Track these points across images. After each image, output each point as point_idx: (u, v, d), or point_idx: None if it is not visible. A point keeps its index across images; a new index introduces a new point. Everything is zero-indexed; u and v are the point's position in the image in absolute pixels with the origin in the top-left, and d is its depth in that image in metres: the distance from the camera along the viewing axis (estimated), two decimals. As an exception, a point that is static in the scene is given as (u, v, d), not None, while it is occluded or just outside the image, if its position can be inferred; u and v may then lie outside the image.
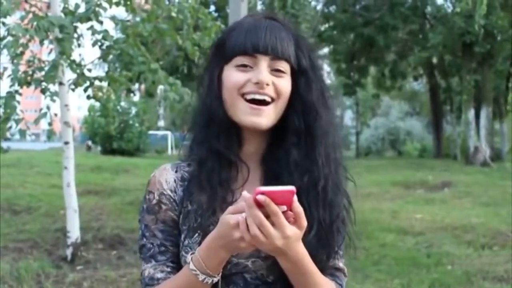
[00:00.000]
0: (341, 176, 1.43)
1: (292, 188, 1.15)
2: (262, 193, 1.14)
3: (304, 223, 1.19)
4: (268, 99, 1.35)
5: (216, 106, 1.40)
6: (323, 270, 1.39)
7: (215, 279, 1.29)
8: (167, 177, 1.45)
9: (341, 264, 1.49)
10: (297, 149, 1.38)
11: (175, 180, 1.44)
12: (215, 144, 1.39)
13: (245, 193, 1.16)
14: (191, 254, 1.31)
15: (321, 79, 1.43)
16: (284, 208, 1.16)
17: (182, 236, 1.39)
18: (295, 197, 1.16)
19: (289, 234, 1.17)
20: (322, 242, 1.35)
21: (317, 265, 1.33)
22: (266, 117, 1.35)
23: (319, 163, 1.36)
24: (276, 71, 1.36)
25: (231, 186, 1.39)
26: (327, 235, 1.37)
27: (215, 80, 1.41)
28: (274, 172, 1.40)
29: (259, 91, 1.34)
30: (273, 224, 1.16)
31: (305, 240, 1.26)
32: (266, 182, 1.40)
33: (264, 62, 1.34)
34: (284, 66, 1.37)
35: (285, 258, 1.25)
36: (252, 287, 1.38)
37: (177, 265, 1.40)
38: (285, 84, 1.37)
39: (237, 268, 1.36)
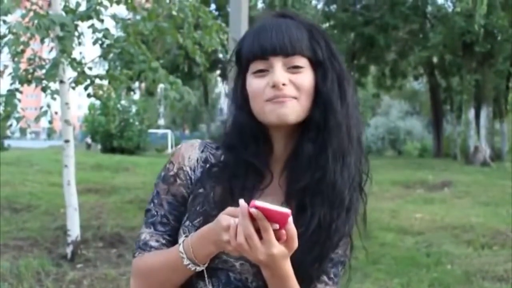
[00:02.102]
0: (354, 171, 1.40)
1: (287, 211, 1.15)
2: (257, 207, 1.14)
3: (295, 245, 1.20)
4: (289, 99, 1.33)
5: (243, 117, 1.40)
6: (306, 280, 1.37)
7: (199, 268, 1.32)
8: (191, 153, 1.45)
9: None
10: (313, 143, 1.36)
11: (197, 160, 1.45)
12: (242, 153, 1.39)
13: (241, 201, 1.17)
14: (185, 236, 1.34)
15: (339, 70, 1.40)
16: (277, 226, 1.17)
17: (186, 215, 1.41)
18: (291, 219, 1.16)
19: (274, 252, 1.18)
20: (316, 246, 1.34)
21: (301, 272, 1.32)
22: (291, 109, 1.33)
23: (330, 157, 1.34)
24: (293, 68, 1.34)
25: (253, 189, 1.38)
26: (323, 235, 1.35)
27: (239, 90, 1.42)
28: (292, 170, 1.39)
29: (278, 94, 1.32)
30: (261, 238, 1.17)
31: (299, 241, 1.26)
32: (283, 185, 1.40)
33: (277, 63, 1.33)
34: (301, 61, 1.35)
35: (268, 271, 1.26)
36: (232, 286, 1.38)
37: (173, 239, 1.42)
38: (304, 78, 1.35)
39: (224, 265, 1.37)
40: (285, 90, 1.32)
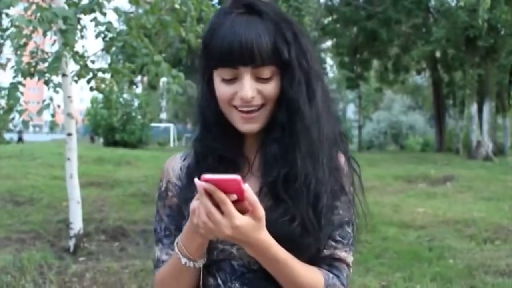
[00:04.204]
0: (327, 172, 1.39)
1: (236, 176, 1.15)
2: (207, 180, 1.15)
3: (260, 213, 1.20)
4: (256, 108, 1.35)
5: (210, 111, 1.41)
6: (314, 260, 1.38)
7: (197, 264, 1.34)
8: (174, 165, 1.52)
9: (342, 254, 1.42)
10: (279, 143, 1.37)
11: (181, 168, 1.51)
12: (213, 144, 1.41)
13: (196, 180, 1.18)
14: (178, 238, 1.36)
15: (306, 68, 1.37)
16: (235, 197, 1.17)
17: (184, 221, 1.42)
18: (246, 186, 1.16)
19: (238, 223, 1.18)
20: (308, 231, 1.34)
21: (302, 254, 1.33)
22: (258, 122, 1.37)
23: (298, 159, 1.35)
24: (261, 78, 1.34)
25: None
26: (313, 225, 1.35)
27: (206, 82, 1.41)
28: (263, 166, 1.41)
29: (246, 105, 1.34)
30: (222, 212, 1.18)
31: (288, 229, 1.30)
32: (259, 176, 1.41)
33: (246, 73, 1.32)
34: (269, 71, 1.34)
35: (247, 247, 1.26)
36: (238, 274, 1.40)
37: None
38: (271, 88, 1.35)
39: (223, 255, 1.39)
40: (253, 101, 1.34)
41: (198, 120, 1.47)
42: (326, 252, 1.40)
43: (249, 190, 1.17)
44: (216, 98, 1.38)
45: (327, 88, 1.45)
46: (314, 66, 1.40)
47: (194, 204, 1.22)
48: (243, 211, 1.19)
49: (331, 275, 1.40)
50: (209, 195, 1.17)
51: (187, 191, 1.43)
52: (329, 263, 1.41)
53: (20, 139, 33.25)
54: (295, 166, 1.35)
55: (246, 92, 1.32)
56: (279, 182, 1.34)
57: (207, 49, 1.37)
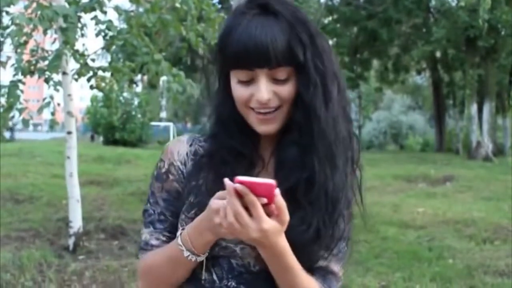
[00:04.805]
0: (344, 176, 1.37)
1: (272, 181, 1.15)
2: (241, 182, 1.15)
3: (286, 218, 1.20)
4: (273, 109, 1.34)
5: (227, 110, 1.41)
6: (312, 268, 1.38)
7: (199, 258, 1.34)
8: (179, 148, 1.48)
9: (335, 268, 1.44)
10: (297, 146, 1.36)
11: (187, 153, 1.47)
12: (229, 141, 1.40)
13: (226, 180, 1.17)
14: (182, 229, 1.35)
15: (322, 69, 1.35)
16: (265, 200, 1.16)
17: (183, 209, 1.42)
18: (278, 191, 1.16)
19: (266, 227, 1.18)
20: (319, 239, 1.34)
21: (305, 261, 1.34)
22: (275, 123, 1.36)
23: (316, 162, 1.34)
24: (277, 80, 1.33)
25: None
26: (326, 233, 1.35)
27: (223, 82, 1.41)
28: (279, 170, 1.39)
29: (262, 107, 1.33)
30: (251, 215, 1.17)
31: (302, 236, 1.29)
32: (276, 174, 1.39)
33: (261, 75, 1.32)
34: (284, 72, 1.32)
35: (264, 250, 1.26)
36: (235, 273, 1.39)
37: (173, 235, 1.42)
38: (287, 90, 1.34)
39: (225, 252, 1.38)
40: (269, 103, 1.33)
41: (213, 118, 1.45)
42: (321, 263, 1.41)
43: (279, 195, 1.17)
44: (233, 97, 1.38)
45: (343, 89, 1.42)
46: (331, 67, 1.38)
47: (218, 203, 1.20)
48: (268, 215, 1.18)
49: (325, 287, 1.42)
50: (240, 196, 1.16)
51: (193, 180, 1.42)
52: (323, 274, 1.42)
53: (11, 137, 32.77)
54: (313, 170, 1.33)
55: (262, 95, 1.32)
56: (301, 189, 1.33)
57: (222, 51, 1.36)
